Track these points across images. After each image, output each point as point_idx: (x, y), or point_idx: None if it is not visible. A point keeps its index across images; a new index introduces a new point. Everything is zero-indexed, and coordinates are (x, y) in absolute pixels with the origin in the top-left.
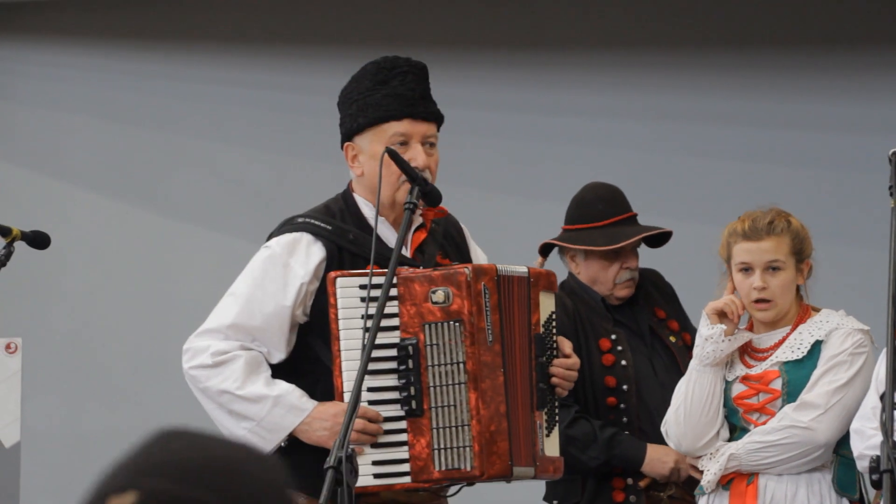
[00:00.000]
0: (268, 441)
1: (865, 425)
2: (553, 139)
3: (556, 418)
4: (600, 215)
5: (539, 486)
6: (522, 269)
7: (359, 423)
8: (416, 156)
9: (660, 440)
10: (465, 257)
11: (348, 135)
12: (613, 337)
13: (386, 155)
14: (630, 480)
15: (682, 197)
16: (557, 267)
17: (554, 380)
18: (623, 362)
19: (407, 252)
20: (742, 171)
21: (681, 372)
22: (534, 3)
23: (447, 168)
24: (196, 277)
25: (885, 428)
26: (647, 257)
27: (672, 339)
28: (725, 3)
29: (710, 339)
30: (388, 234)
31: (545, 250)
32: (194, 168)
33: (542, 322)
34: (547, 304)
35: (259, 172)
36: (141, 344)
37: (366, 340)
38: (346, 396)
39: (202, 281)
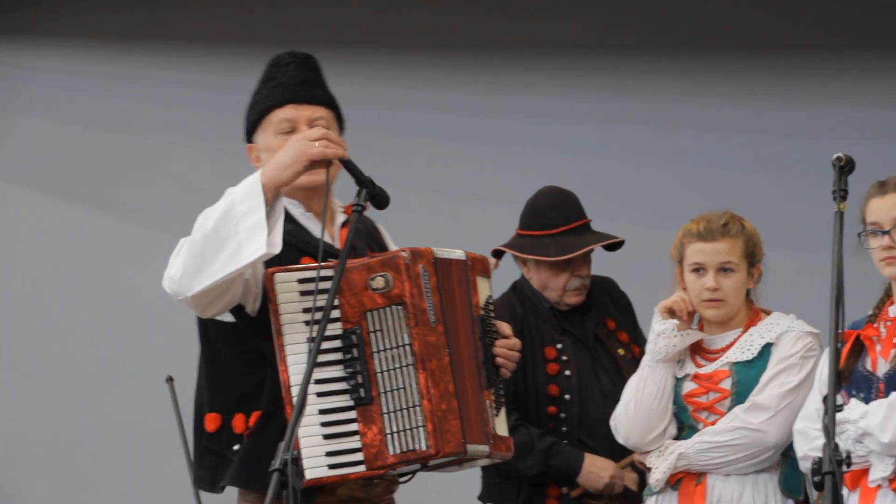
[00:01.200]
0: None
1: (809, 426)
2: (505, 142)
3: (503, 398)
4: (552, 223)
5: (475, 487)
6: (460, 253)
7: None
8: None
9: (599, 451)
10: (385, 251)
11: (248, 137)
12: (559, 346)
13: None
14: (565, 489)
15: (634, 200)
16: (512, 268)
17: (498, 360)
18: (567, 372)
19: (337, 247)
20: (693, 175)
21: (626, 382)
22: (487, 7)
23: (398, 170)
24: (144, 280)
25: (828, 430)
26: (600, 259)
27: (620, 351)
28: (676, 7)
29: (662, 334)
30: (313, 227)
31: (498, 253)
32: (144, 169)
33: (481, 304)
34: (484, 288)
35: (208, 174)
36: (88, 346)
37: (313, 333)
38: (294, 391)
39: (150, 283)
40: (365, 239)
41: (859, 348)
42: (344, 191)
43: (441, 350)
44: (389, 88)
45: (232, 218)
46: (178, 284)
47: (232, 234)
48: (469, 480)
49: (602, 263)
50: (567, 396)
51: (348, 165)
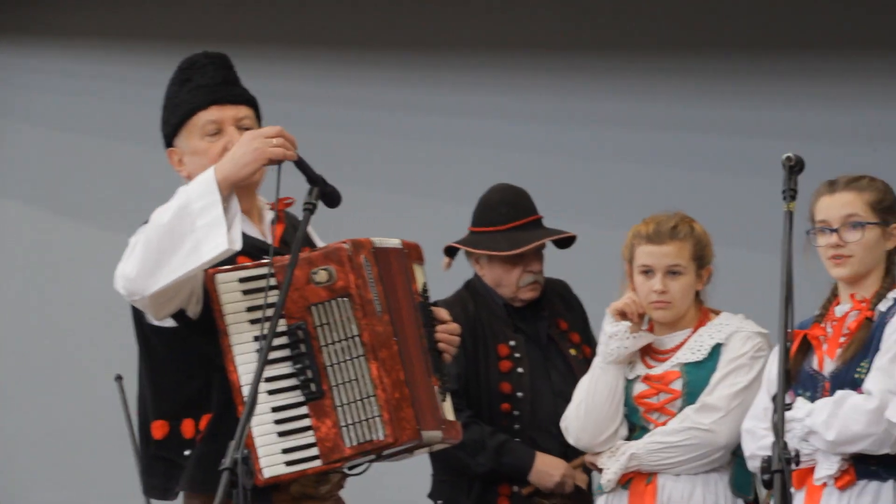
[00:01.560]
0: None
1: (757, 425)
2: (457, 141)
3: (448, 384)
4: (504, 219)
5: (426, 485)
6: (396, 242)
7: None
8: (232, 139)
9: (550, 449)
10: (312, 246)
11: (168, 141)
12: (512, 343)
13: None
14: (516, 488)
15: (587, 200)
16: (464, 267)
17: (441, 345)
18: (520, 369)
19: (273, 243)
20: (644, 175)
21: (577, 383)
22: (438, 6)
23: (349, 168)
24: (90, 277)
25: (777, 429)
26: (554, 261)
27: (572, 351)
28: (625, 7)
29: (614, 336)
30: (246, 227)
31: (451, 251)
32: (90, 167)
33: (420, 291)
34: (420, 275)
35: (155, 171)
36: (32, 344)
37: (263, 331)
38: (245, 390)
39: (97, 281)
40: (294, 235)
41: (806, 348)
42: (289, 188)
43: (389, 339)
44: (340, 87)
45: (188, 214)
46: (134, 283)
47: (189, 231)
48: (419, 478)
49: (556, 264)
50: (520, 394)
51: (300, 164)
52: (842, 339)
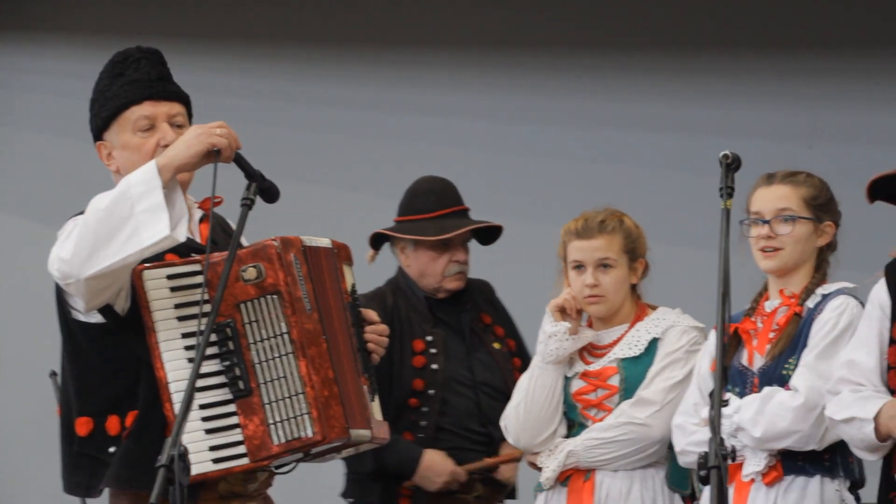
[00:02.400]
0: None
1: (687, 420)
2: (389, 136)
3: (376, 384)
4: (430, 207)
5: (339, 484)
6: (326, 241)
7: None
8: (165, 135)
9: (466, 442)
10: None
11: (97, 134)
12: (429, 339)
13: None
14: (414, 488)
15: (523, 197)
16: (390, 261)
17: (370, 346)
18: (434, 366)
19: (199, 241)
20: (582, 172)
21: (501, 376)
22: (375, 2)
23: (280, 162)
24: (26, 271)
25: (713, 424)
26: (484, 257)
27: (496, 344)
28: (568, 4)
29: (553, 336)
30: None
31: (376, 243)
32: (26, 162)
33: (349, 291)
34: (349, 275)
35: (91, 165)
36: None
37: (186, 329)
38: (172, 387)
39: (33, 276)
40: (221, 234)
41: (737, 342)
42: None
43: (318, 337)
44: (277, 82)
45: (127, 199)
46: (69, 266)
47: (128, 217)
48: (333, 477)
49: (488, 260)
50: (431, 391)
51: (238, 160)
52: (771, 335)
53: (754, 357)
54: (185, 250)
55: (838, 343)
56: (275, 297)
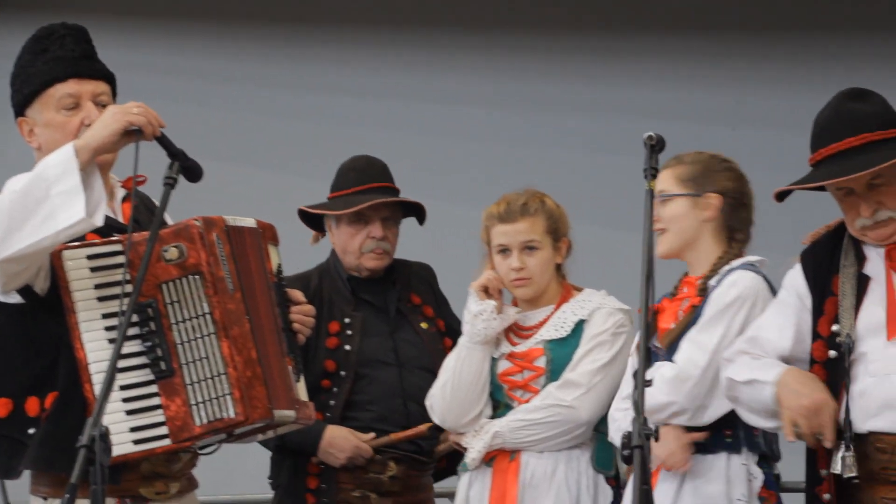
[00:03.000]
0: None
1: (618, 407)
2: (326, 118)
3: (301, 364)
4: (350, 183)
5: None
6: (251, 221)
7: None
8: (89, 114)
9: (385, 421)
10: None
11: (19, 110)
12: (347, 320)
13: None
14: (323, 466)
15: (450, 178)
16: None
17: (295, 326)
18: (347, 347)
19: (122, 221)
20: (505, 153)
21: (429, 356)
22: None
23: (198, 140)
24: None
25: (637, 405)
26: (417, 240)
27: (424, 325)
28: None
29: (479, 315)
30: None
31: (314, 224)
32: None
33: (274, 271)
34: (275, 255)
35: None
36: None
37: (107, 309)
38: (92, 368)
39: None
40: (145, 213)
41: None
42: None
43: (242, 317)
44: (202, 60)
45: (43, 181)
46: None
47: (43, 199)
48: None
49: (418, 242)
50: (343, 373)
51: (161, 139)
52: (672, 325)
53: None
54: (107, 230)
55: (722, 316)
56: (197, 277)
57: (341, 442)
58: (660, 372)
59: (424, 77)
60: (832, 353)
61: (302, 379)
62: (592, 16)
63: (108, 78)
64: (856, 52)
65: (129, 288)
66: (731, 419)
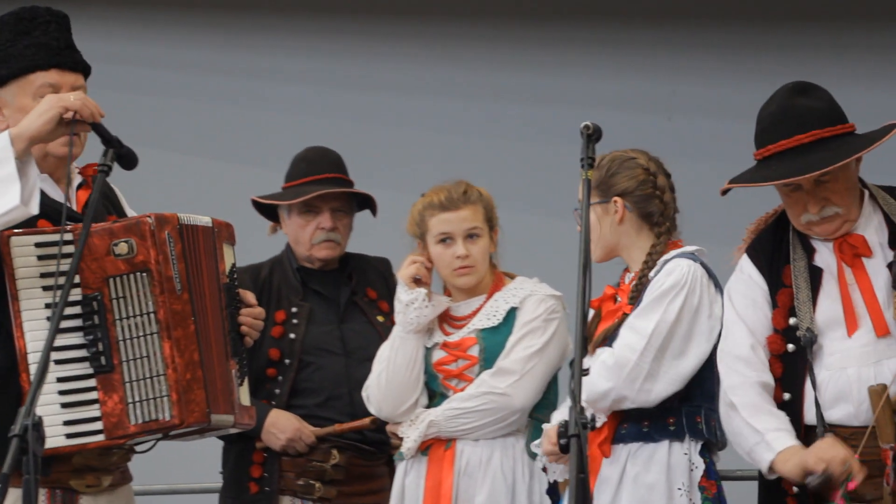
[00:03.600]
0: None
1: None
2: (261, 105)
3: (247, 368)
4: (301, 173)
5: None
6: (206, 220)
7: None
8: None
9: (330, 410)
10: (121, 213)
11: None
12: (294, 309)
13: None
14: (266, 454)
15: (385, 166)
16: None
17: (243, 328)
18: (292, 335)
19: (76, 209)
20: (441, 142)
21: (378, 347)
22: None
23: (146, 130)
24: None
25: (573, 394)
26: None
27: (380, 318)
28: None
29: (411, 304)
30: (49, 189)
31: (267, 214)
32: None
33: (227, 272)
34: (229, 255)
35: None
36: None
37: (51, 299)
38: (31, 357)
39: None
40: (102, 202)
41: (601, 316)
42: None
43: (187, 319)
44: (142, 47)
45: None
46: None
47: None
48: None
49: (357, 233)
50: (287, 361)
51: (96, 126)
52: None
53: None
54: (59, 218)
55: (659, 302)
56: (144, 274)
57: (284, 422)
58: (600, 359)
59: (366, 66)
60: (790, 346)
61: (246, 383)
62: (530, 4)
63: (87, 71)
64: (789, 43)
65: (72, 279)
66: (674, 407)
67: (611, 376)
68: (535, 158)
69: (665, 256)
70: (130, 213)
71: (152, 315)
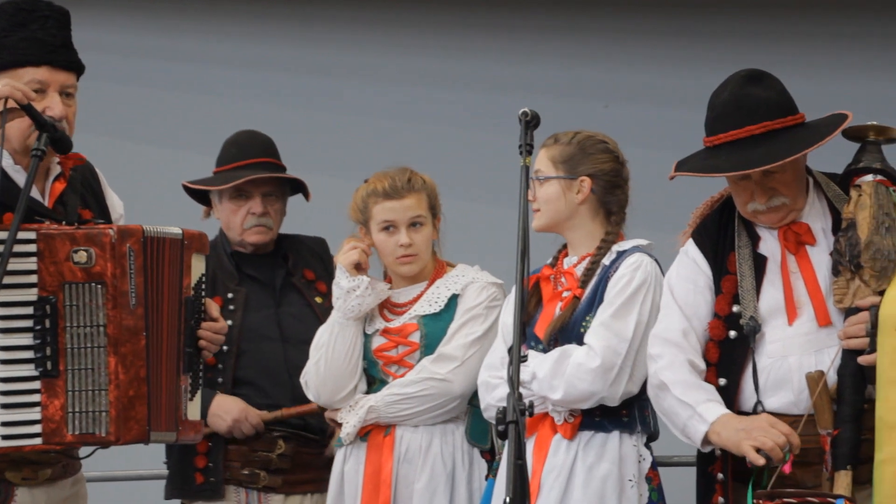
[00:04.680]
0: None
1: (493, 375)
2: (200, 89)
3: (201, 381)
4: (232, 158)
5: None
6: (175, 231)
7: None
8: (52, 105)
9: (271, 397)
10: (102, 205)
11: None
12: (230, 295)
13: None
14: (211, 444)
15: (324, 152)
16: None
17: (202, 342)
18: (229, 322)
19: (46, 203)
20: (380, 128)
21: (315, 331)
22: None
23: (92, 116)
24: None
25: (512, 380)
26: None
27: (318, 299)
28: None
29: (352, 291)
30: (21, 180)
31: (200, 199)
32: None
33: (192, 285)
34: (198, 267)
35: None
36: None
37: (3, 298)
38: None
39: None
40: (79, 192)
41: (538, 298)
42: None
43: (138, 334)
44: (77, 32)
45: None
46: None
47: None
48: None
49: (299, 218)
50: (225, 347)
51: (28, 110)
52: (565, 294)
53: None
54: (29, 213)
55: (633, 300)
56: (99, 286)
57: (229, 405)
58: (574, 360)
59: (303, 50)
60: (732, 333)
61: (198, 397)
62: None
63: (80, 70)
64: (725, 31)
65: (30, 278)
66: (629, 400)
67: (596, 380)
68: (474, 144)
69: (619, 247)
70: (112, 197)
71: (102, 328)
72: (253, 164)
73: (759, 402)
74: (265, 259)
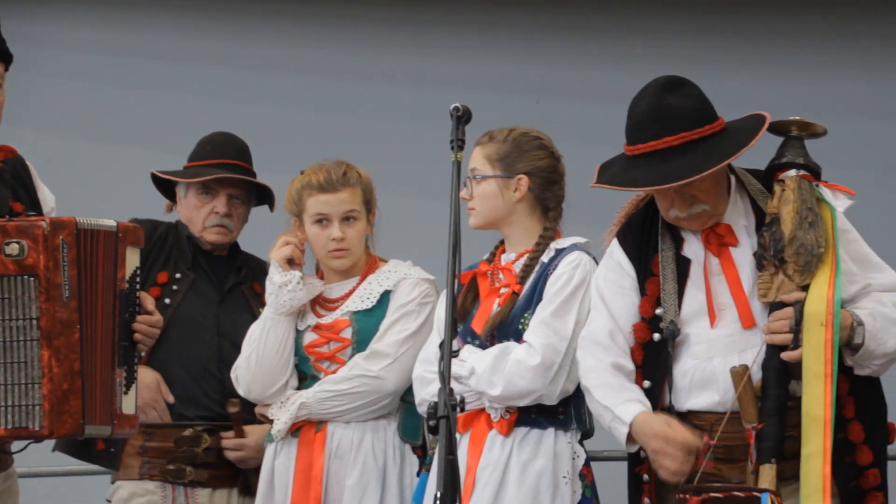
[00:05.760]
0: None
1: (427, 370)
2: (145, 84)
3: (136, 375)
4: (205, 155)
5: None
6: (110, 224)
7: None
8: None
9: (208, 390)
10: (33, 198)
11: None
12: (178, 275)
13: None
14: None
15: (255, 144)
16: None
17: (136, 336)
18: (167, 300)
19: None
20: (315, 121)
21: None
22: None
23: (30, 111)
24: None
25: (444, 375)
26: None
27: (262, 310)
28: None
29: (285, 286)
30: None
31: (164, 192)
32: None
33: (127, 278)
34: (133, 260)
35: None
36: None
37: None
38: None
39: None
40: (9, 185)
41: (474, 294)
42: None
43: (72, 326)
44: (7, 25)
45: None
46: None
47: None
48: None
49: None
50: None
51: None
52: (503, 291)
53: (492, 310)
54: None
55: (573, 299)
56: (32, 279)
57: (147, 378)
58: (514, 357)
59: (240, 43)
60: (656, 335)
61: (133, 390)
62: None
63: (8, 59)
64: (658, 28)
65: None
66: (564, 397)
67: (536, 378)
68: (406, 138)
69: (557, 244)
70: (43, 190)
71: (34, 321)
72: (225, 165)
73: (671, 407)
74: (221, 259)
